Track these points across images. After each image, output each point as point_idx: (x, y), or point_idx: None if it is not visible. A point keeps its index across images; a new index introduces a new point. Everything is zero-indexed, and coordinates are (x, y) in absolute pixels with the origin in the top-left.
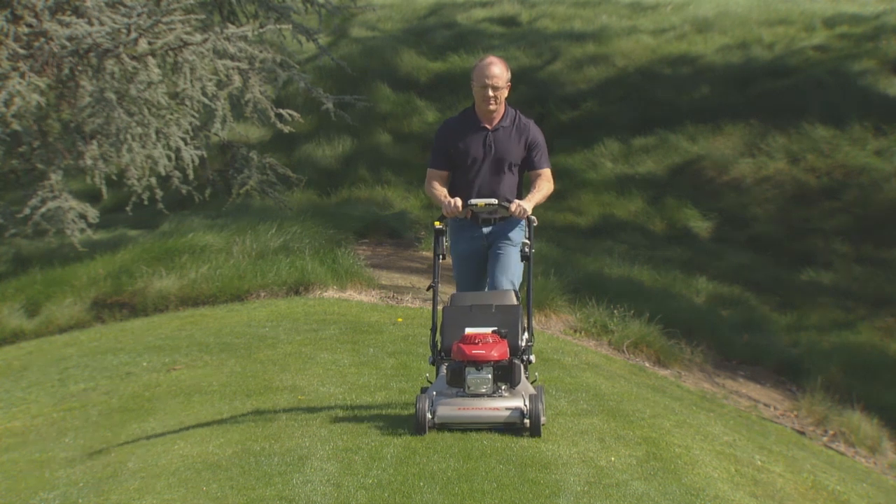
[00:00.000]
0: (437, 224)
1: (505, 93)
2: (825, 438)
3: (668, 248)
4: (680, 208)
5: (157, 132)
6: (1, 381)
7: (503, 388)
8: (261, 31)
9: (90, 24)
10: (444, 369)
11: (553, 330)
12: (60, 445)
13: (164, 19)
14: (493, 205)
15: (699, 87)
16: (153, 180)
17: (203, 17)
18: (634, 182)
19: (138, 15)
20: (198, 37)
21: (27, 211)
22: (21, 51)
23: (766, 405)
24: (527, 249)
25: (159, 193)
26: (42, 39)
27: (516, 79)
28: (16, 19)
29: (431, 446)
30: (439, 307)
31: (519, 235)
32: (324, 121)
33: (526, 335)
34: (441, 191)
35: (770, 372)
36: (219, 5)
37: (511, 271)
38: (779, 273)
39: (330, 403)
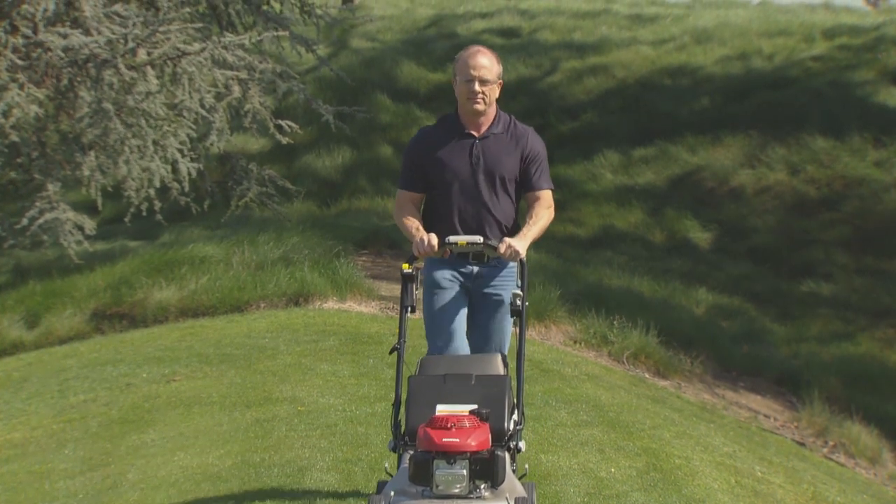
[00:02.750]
0: (406, 268)
1: (496, 90)
2: (825, 449)
3: (667, 258)
4: (680, 219)
5: (155, 143)
6: (1, 393)
7: (483, 486)
8: (259, 39)
9: (88, 34)
10: (407, 459)
11: (553, 341)
12: (60, 457)
13: (162, 29)
14: (477, 244)
15: (699, 98)
16: (152, 192)
17: (201, 26)
18: (634, 193)
19: (135, 25)
20: (196, 45)
21: (25, 222)
22: (19, 62)
23: (766, 416)
24: (518, 302)
25: (158, 205)
26: (40, 50)
27: (516, 90)
28: (13, 30)
29: None
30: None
31: (510, 284)
32: (324, 131)
33: (515, 415)
34: (412, 222)
35: (770, 383)
36: (217, 16)
37: (500, 335)
38: (779, 284)
39: (330, 414)
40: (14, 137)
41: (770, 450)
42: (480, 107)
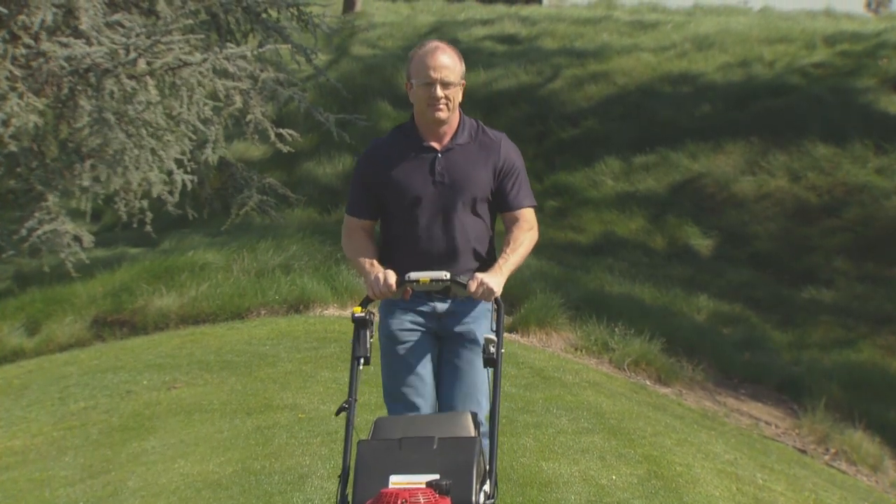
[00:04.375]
0: (357, 311)
1: (459, 94)
2: (827, 457)
3: (668, 265)
4: (681, 226)
5: (153, 153)
6: (1, 400)
7: None
8: (260, 50)
9: (89, 44)
10: None
11: (554, 348)
12: (60, 464)
13: (164, 39)
14: (443, 281)
15: (700, 105)
16: (144, 203)
17: (202, 36)
18: (635, 200)
19: (137, 35)
20: (197, 56)
21: (24, 232)
22: (18, 72)
23: (767, 423)
24: (492, 349)
25: (149, 216)
26: (41, 59)
27: (517, 97)
28: (13, 39)
29: None
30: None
31: (484, 325)
32: (324, 138)
33: (486, 486)
34: (365, 256)
35: (771, 390)
36: (216, 25)
37: (475, 390)
38: (780, 291)
39: (331, 422)
40: (13, 147)
41: (771, 457)
42: (443, 114)
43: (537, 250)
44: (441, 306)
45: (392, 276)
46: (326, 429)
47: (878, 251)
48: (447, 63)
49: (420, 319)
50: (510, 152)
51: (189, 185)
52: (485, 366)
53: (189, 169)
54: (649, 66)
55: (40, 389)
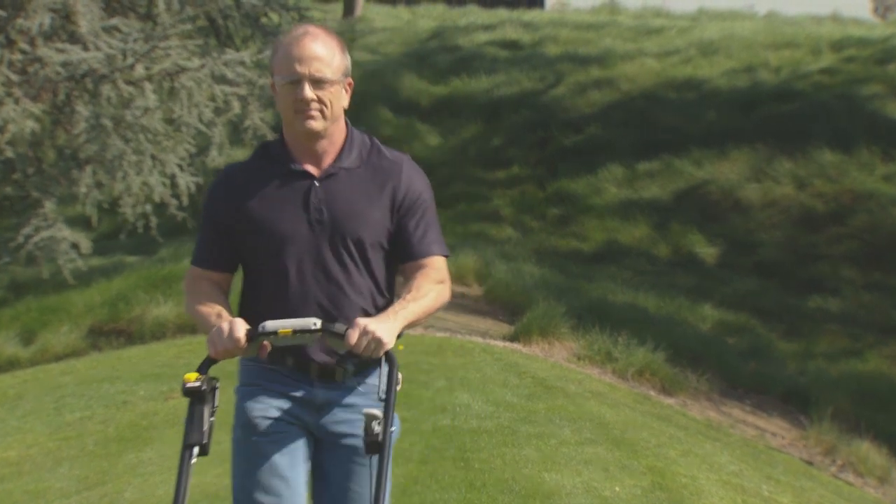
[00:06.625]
0: (191, 379)
1: (342, 96)
2: (833, 468)
3: (673, 274)
4: (685, 234)
5: (153, 158)
6: None
7: None
8: (259, 56)
9: (86, 49)
10: None
11: (556, 357)
12: (56, 476)
13: (161, 44)
14: (309, 332)
15: (705, 112)
16: (148, 207)
17: (200, 41)
18: (639, 207)
19: (134, 40)
20: (195, 61)
21: (20, 239)
22: (14, 77)
23: (773, 434)
24: (375, 428)
25: (154, 221)
26: (37, 65)
27: (519, 103)
28: (10, 44)
29: (433, 476)
30: None
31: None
32: None
33: None
34: (211, 308)
35: (777, 401)
36: (215, 30)
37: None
38: (786, 300)
39: None
40: (9, 153)
41: (777, 468)
42: (315, 123)
43: (540, 258)
44: (322, 394)
45: (240, 327)
46: None
47: (886, 259)
48: (319, 53)
49: (291, 407)
50: (415, 181)
51: (192, 188)
52: (367, 452)
53: (192, 172)
54: (653, 71)
55: (36, 399)
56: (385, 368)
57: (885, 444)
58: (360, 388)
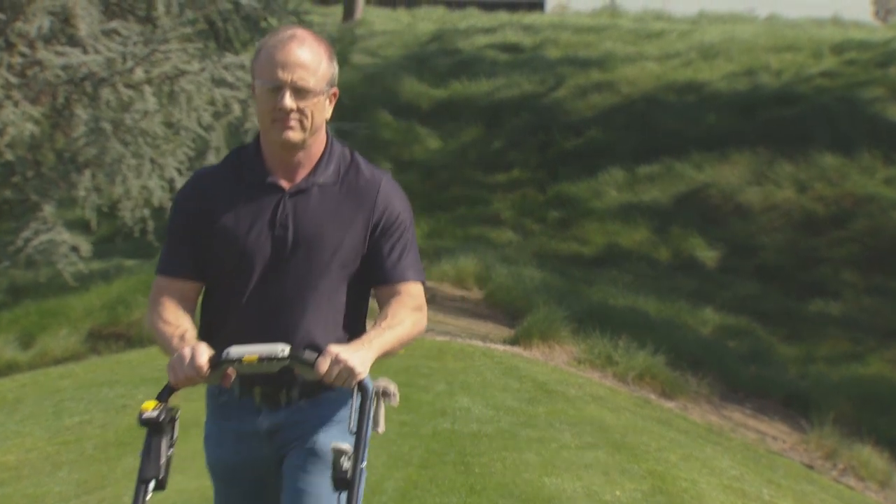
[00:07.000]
0: (148, 408)
1: (324, 108)
2: (834, 472)
3: (673, 277)
4: (686, 237)
5: (152, 162)
6: None
7: None
8: None
9: (85, 52)
10: None
11: (557, 361)
12: (55, 480)
13: (161, 48)
14: (275, 359)
15: (705, 115)
16: (146, 211)
17: (200, 45)
18: (639, 211)
19: (134, 44)
20: (195, 65)
21: (20, 243)
22: (14, 80)
23: (774, 438)
24: (344, 465)
25: (151, 225)
26: (36, 68)
27: (519, 106)
28: (9, 47)
29: (433, 480)
30: None
31: (339, 425)
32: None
33: None
34: (174, 328)
35: (778, 404)
36: (214, 33)
37: None
38: (787, 303)
39: None
40: (9, 156)
41: (778, 472)
42: (294, 135)
43: (541, 262)
44: (267, 422)
45: (203, 353)
46: None
47: (887, 263)
48: (305, 59)
49: (245, 448)
50: (393, 201)
51: None
52: (335, 488)
53: (189, 176)
54: (654, 74)
55: (34, 403)
56: (357, 401)
57: (887, 448)
58: (306, 407)
